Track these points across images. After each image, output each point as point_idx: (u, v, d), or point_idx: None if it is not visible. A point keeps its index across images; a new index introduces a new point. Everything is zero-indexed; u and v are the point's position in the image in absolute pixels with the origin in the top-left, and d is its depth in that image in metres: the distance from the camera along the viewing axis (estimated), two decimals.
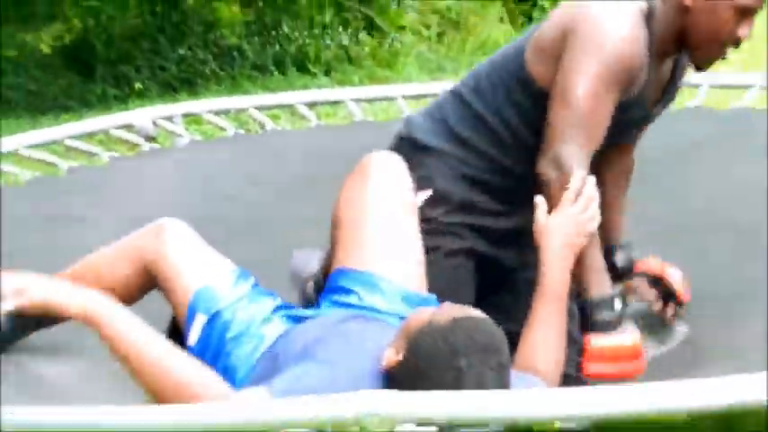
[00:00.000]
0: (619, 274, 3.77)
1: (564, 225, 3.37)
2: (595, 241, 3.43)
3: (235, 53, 12.82)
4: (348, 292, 3.42)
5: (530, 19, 14.46)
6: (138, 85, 12.11)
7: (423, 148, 3.61)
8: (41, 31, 13.33)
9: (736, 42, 3.41)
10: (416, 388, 2.76)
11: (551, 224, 3.38)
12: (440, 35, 14.00)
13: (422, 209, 3.54)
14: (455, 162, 3.58)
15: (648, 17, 3.40)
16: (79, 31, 13.09)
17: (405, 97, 5.62)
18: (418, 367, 2.93)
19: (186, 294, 3.44)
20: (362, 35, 13.43)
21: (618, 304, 3.44)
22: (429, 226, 3.54)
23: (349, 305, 3.40)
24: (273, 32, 13.16)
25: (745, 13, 3.34)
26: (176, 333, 3.60)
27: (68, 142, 5.09)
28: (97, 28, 12.89)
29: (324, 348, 3.16)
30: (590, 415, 2.50)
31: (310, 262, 3.99)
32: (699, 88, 5.72)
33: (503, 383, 2.91)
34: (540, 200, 3.41)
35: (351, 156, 5.21)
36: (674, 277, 3.80)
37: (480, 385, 2.85)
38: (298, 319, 3.44)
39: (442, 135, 3.61)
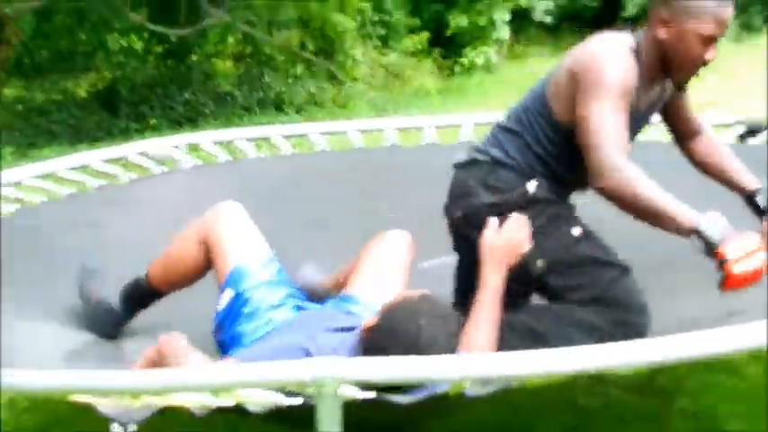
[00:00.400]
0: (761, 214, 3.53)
1: (497, 245, 3.34)
2: (664, 195, 3.21)
3: (228, 97, 12.81)
4: (346, 300, 3.48)
5: (452, 71, 14.48)
6: (152, 121, 12.05)
7: (500, 163, 3.48)
8: (80, 79, 13.36)
9: (705, 64, 3.32)
10: (383, 347, 2.83)
11: (489, 242, 3.35)
12: (385, 84, 14.00)
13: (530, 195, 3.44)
14: (525, 170, 3.46)
15: (636, 50, 3.34)
16: (109, 79, 13.05)
17: (358, 131, 5.60)
18: (389, 326, 2.96)
19: (225, 269, 3.52)
20: (325, 84, 13.41)
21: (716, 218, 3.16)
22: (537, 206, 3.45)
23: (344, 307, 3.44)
24: (258, 82, 13.14)
25: (709, 40, 3.26)
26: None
27: (97, 166, 5.05)
28: (123, 77, 12.87)
29: (300, 328, 3.17)
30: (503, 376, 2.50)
31: (314, 276, 3.98)
32: None
33: (451, 350, 2.95)
34: (490, 222, 3.38)
35: (317, 175, 5.22)
36: None
37: (433, 345, 2.88)
38: (302, 309, 3.48)
39: (508, 155, 3.49)
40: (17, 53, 12.21)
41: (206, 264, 3.64)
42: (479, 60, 14.27)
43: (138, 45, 13.24)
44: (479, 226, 3.41)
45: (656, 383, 4.29)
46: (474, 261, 3.42)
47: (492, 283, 3.30)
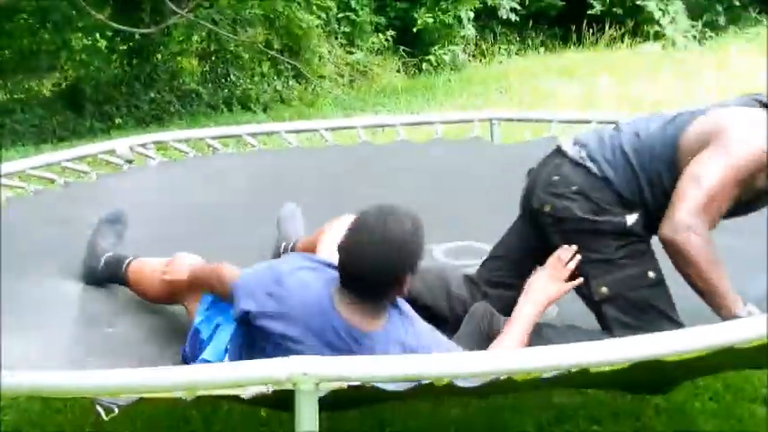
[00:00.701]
0: None
1: (540, 284, 3.44)
2: (723, 273, 3.29)
3: (193, 95, 12.77)
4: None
5: (419, 69, 14.47)
6: (118, 121, 12.00)
7: (609, 184, 3.48)
8: (44, 78, 13.27)
9: None
10: (358, 253, 2.95)
11: (535, 280, 3.45)
12: (351, 82, 13.99)
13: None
14: (629, 202, 3.47)
15: None
16: (73, 78, 12.96)
17: (325, 129, 5.60)
18: (359, 228, 3.01)
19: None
20: (292, 82, 13.40)
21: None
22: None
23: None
24: (223, 80, 13.11)
25: None
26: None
27: (64, 164, 5.02)
28: (87, 76, 12.76)
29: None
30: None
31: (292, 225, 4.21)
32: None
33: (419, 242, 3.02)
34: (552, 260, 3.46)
35: (283, 172, 5.21)
36: None
37: (401, 235, 2.97)
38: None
39: (619, 179, 3.48)
40: None
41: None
42: (446, 58, 14.28)
43: (103, 44, 13.13)
44: (561, 231, 3.49)
45: None
46: (530, 251, 3.60)
47: (527, 317, 3.37)
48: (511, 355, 2.71)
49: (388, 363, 2.52)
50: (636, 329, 3.26)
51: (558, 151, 3.64)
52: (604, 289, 3.43)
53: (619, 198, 3.47)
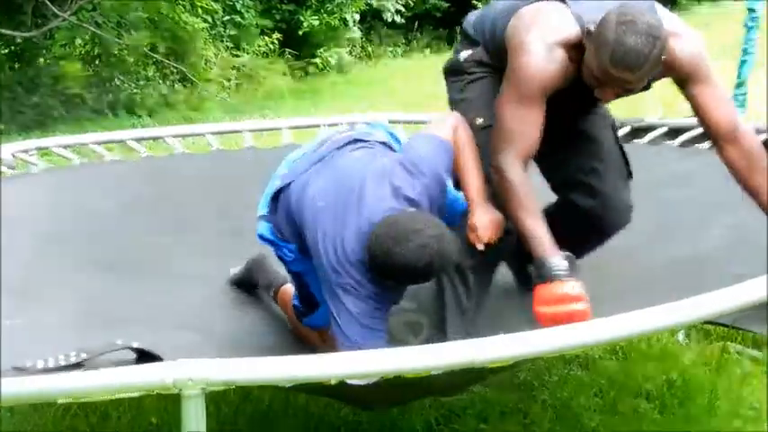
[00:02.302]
0: None
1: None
2: (534, 213, 3.32)
3: (78, 100, 12.57)
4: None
5: (306, 72, 14.49)
6: (0, 126, 11.77)
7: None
8: None
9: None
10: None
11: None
12: (237, 85, 13.94)
13: None
14: None
15: (578, 46, 3.25)
16: None
17: (211, 133, 5.58)
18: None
19: None
20: (178, 86, 13.31)
21: (558, 261, 3.24)
22: None
23: None
24: (108, 84, 12.96)
25: (598, 81, 3.22)
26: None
27: None
28: None
29: None
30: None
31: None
32: None
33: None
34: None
35: (170, 176, 5.17)
36: None
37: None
38: None
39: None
40: None
41: None
42: (332, 60, 14.32)
43: None
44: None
45: (517, 379, 4.36)
46: None
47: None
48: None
49: (271, 365, 2.52)
50: None
51: None
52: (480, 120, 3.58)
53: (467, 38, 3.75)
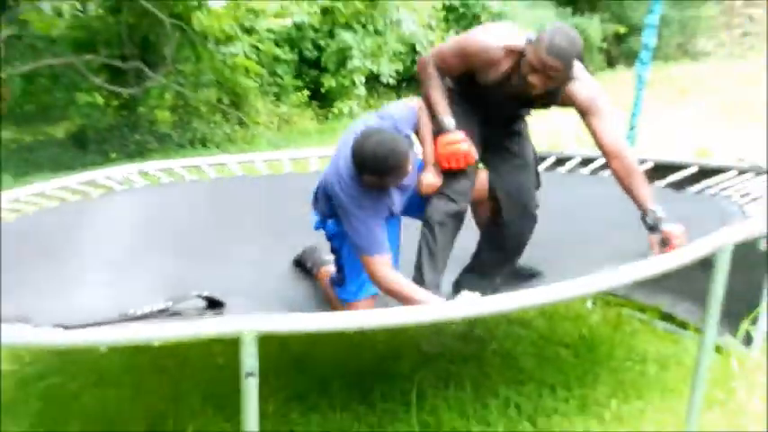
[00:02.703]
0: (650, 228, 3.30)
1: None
2: (437, 88, 3.45)
3: (166, 137, 12.65)
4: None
5: (327, 117, 14.45)
6: (112, 155, 11.80)
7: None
8: (58, 125, 13.23)
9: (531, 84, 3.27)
10: None
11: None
12: (279, 127, 13.92)
13: None
14: None
15: (519, 53, 3.27)
16: (79, 125, 12.84)
17: (261, 161, 5.54)
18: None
19: None
20: (237, 127, 13.32)
21: (448, 120, 3.42)
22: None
23: None
24: (188, 125, 12.99)
25: (533, 68, 3.20)
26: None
27: (74, 186, 4.89)
28: (89, 124, 12.64)
29: None
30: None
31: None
32: None
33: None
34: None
35: (231, 191, 5.10)
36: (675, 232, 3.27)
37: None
38: None
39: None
40: (10, 106, 12.07)
41: None
42: (345, 110, 14.28)
43: (100, 100, 12.90)
44: None
45: (474, 334, 4.37)
46: None
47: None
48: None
49: (302, 319, 2.51)
50: None
51: None
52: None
53: None
